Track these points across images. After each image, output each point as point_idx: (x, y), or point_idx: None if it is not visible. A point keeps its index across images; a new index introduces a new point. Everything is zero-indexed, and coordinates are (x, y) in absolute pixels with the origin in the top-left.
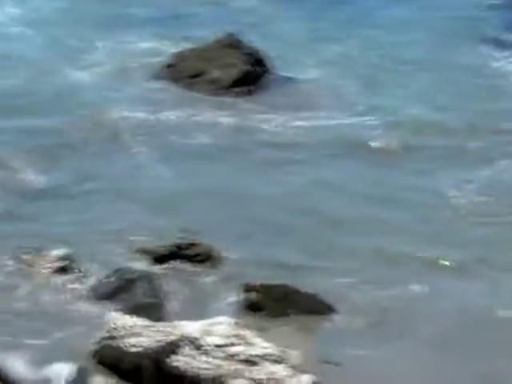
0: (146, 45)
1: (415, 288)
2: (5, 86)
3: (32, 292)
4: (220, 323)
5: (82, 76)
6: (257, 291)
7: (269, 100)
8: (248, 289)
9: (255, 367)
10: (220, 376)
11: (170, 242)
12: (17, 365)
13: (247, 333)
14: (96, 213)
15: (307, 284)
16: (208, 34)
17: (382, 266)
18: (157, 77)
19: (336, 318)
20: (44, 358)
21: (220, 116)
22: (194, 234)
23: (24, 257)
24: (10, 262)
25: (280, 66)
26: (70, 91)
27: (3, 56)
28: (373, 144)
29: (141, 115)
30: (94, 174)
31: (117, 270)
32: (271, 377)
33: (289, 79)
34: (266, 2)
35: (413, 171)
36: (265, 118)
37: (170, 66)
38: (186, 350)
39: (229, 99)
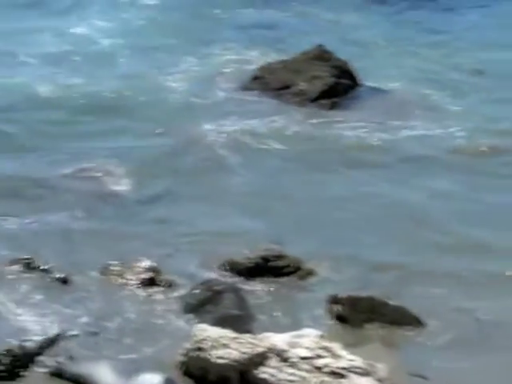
0: (234, 56)
1: (509, 302)
2: (96, 96)
3: (120, 304)
4: (307, 335)
5: (170, 86)
6: (343, 303)
7: (355, 111)
8: (334, 301)
9: (342, 380)
10: None
11: (258, 254)
12: (106, 375)
13: (334, 345)
14: (184, 221)
15: (396, 294)
16: (296, 45)
17: (474, 278)
18: (244, 88)
19: (424, 330)
20: (132, 368)
21: (305, 125)
22: (281, 243)
23: (112, 268)
24: (99, 274)
25: (366, 77)
26: (159, 101)
27: (94, 66)
28: (460, 151)
29: (227, 123)
30: (183, 180)
31: (204, 282)
32: None
33: (375, 90)
34: (352, 11)
35: (503, 177)
36: (351, 127)
37: (257, 77)
38: (273, 361)
39: (314, 110)
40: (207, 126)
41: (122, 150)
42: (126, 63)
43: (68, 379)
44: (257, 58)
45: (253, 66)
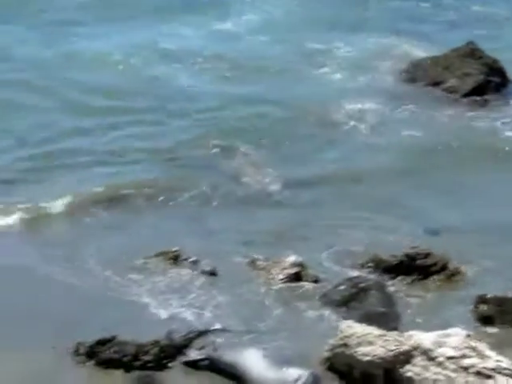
0: (382, 48)
1: None
2: (247, 90)
3: (266, 298)
4: (453, 335)
5: (318, 74)
6: (490, 304)
7: (506, 108)
8: (481, 301)
9: (488, 380)
10: None
11: (403, 252)
12: (254, 367)
13: (480, 345)
14: (330, 209)
15: None
16: (446, 39)
17: None
18: (394, 81)
19: None
20: (279, 361)
21: (454, 119)
22: (430, 240)
23: (259, 262)
24: (246, 267)
25: None
26: (311, 89)
27: (242, 60)
28: None
29: (372, 112)
30: (325, 166)
31: (349, 279)
32: None
33: None
34: (502, 3)
35: None
36: (500, 123)
37: (408, 72)
38: (419, 360)
39: (464, 106)
40: (351, 112)
41: (266, 133)
42: (274, 56)
43: (215, 370)
44: (405, 51)
45: (401, 59)
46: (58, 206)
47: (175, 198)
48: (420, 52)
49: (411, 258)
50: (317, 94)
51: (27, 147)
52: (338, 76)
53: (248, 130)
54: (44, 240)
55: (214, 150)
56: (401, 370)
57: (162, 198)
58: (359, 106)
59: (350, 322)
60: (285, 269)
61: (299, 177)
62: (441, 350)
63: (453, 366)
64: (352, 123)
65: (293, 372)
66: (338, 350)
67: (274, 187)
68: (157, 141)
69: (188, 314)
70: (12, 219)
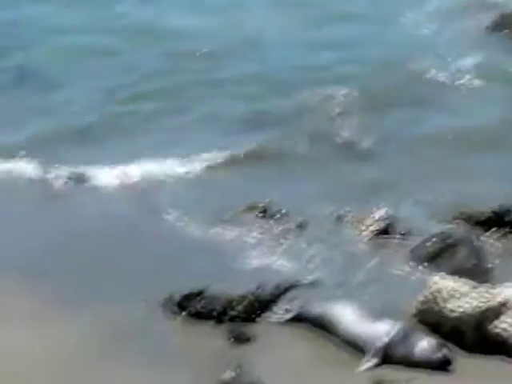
0: None
1: None
2: (336, 37)
3: (356, 252)
4: None
5: (409, 25)
6: None
7: None
8: None
9: None
10: None
11: (492, 208)
12: (345, 318)
13: None
14: (416, 169)
15: None
16: None
17: None
18: (484, 32)
19: None
20: (369, 314)
21: None
22: None
23: (348, 216)
24: (334, 220)
25: None
26: (400, 38)
27: (333, 9)
28: None
29: (458, 62)
30: (410, 117)
31: (439, 233)
32: None
33: None
34: None
35: None
36: None
37: (498, 24)
38: (508, 315)
39: None
40: (441, 63)
41: (355, 83)
42: (363, 5)
43: (306, 323)
44: (494, 2)
45: (490, 10)
46: (154, 163)
47: (263, 151)
48: (510, 3)
49: (500, 214)
50: (407, 44)
51: (132, 100)
52: (427, 26)
53: (338, 78)
54: (137, 193)
55: (305, 101)
56: (490, 324)
57: (261, 151)
58: (448, 56)
59: (438, 277)
60: (374, 222)
61: (388, 128)
62: None
63: None
64: (441, 74)
65: (383, 325)
66: (428, 305)
67: (365, 139)
68: (249, 94)
69: (277, 268)
70: (110, 169)
